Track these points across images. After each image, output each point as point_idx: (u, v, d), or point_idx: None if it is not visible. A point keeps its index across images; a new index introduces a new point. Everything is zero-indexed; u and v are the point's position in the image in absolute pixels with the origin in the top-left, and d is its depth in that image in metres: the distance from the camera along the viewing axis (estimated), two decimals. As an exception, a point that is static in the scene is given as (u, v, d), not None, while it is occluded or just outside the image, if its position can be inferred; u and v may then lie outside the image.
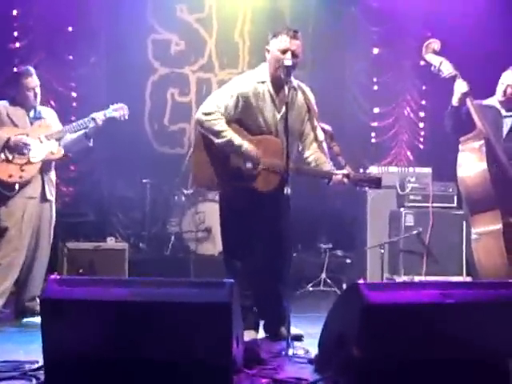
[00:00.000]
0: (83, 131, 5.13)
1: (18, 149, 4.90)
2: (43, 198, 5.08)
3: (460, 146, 4.65)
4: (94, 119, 5.12)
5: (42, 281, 5.14)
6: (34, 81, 5.08)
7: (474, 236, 4.58)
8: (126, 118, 5.31)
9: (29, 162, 4.95)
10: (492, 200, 4.45)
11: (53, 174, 5.20)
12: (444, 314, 2.98)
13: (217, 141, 4.10)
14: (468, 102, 4.56)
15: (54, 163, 5.19)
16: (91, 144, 5.23)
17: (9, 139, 4.88)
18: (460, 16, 7.75)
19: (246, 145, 4.08)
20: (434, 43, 4.78)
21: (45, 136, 5.01)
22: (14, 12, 7.58)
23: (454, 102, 4.60)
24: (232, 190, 4.20)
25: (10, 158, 4.89)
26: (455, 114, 4.64)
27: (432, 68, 4.70)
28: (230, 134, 4.07)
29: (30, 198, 4.99)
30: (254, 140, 4.14)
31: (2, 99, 5.14)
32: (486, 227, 4.49)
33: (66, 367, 2.88)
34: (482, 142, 4.51)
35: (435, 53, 4.74)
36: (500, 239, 4.42)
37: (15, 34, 7.58)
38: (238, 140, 4.07)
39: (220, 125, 4.09)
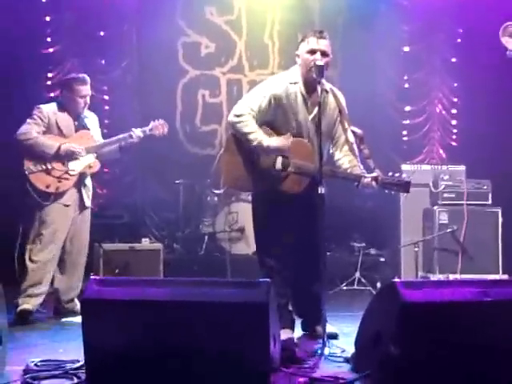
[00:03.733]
0: (118, 145, 5.22)
1: (67, 156, 4.97)
2: (81, 205, 5.16)
3: None
4: (131, 136, 5.19)
5: (81, 284, 5.23)
6: (87, 89, 5.14)
7: None
8: (165, 134, 5.35)
9: (67, 174, 5.02)
10: None
11: (88, 180, 5.26)
12: (481, 312, 2.96)
13: (247, 142, 4.12)
14: None
15: (88, 174, 5.26)
16: (121, 157, 5.34)
17: (59, 148, 4.95)
18: (491, 12, 7.67)
19: (275, 142, 4.09)
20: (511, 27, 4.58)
21: (85, 148, 5.08)
22: (47, 18, 7.69)
23: None
24: (262, 191, 4.23)
25: (50, 168, 4.96)
26: None
27: (507, 52, 4.54)
28: (260, 136, 4.09)
29: (65, 205, 5.06)
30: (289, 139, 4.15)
31: (50, 102, 5.22)
32: None
33: (107, 366, 2.92)
34: None
35: None
36: None
37: (48, 39, 7.69)
38: (267, 140, 4.08)
39: (250, 126, 4.10)
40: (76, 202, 5.13)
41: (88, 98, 5.16)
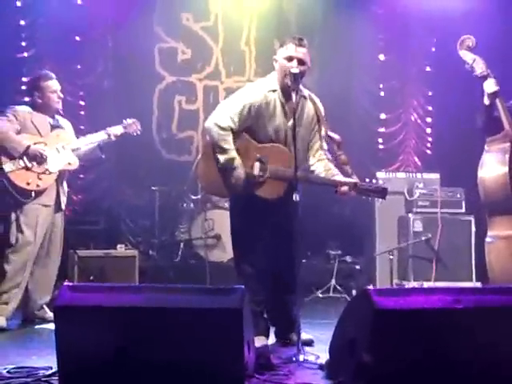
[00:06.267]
0: (96, 143, 5.21)
1: (35, 158, 4.94)
2: (58, 207, 5.14)
3: (485, 146, 4.54)
4: (108, 134, 5.21)
5: (52, 290, 5.20)
6: (56, 84, 5.13)
7: (488, 239, 4.55)
8: (139, 133, 5.40)
9: (47, 172, 4.99)
10: (510, 204, 4.38)
11: (65, 184, 5.25)
12: (454, 319, 2.98)
13: (219, 156, 4.12)
14: (497, 102, 4.48)
15: (67, 173, 5.24)
16: (103, 156, 5.32)
17: (28, 147, 4.91)
18: (466, 21, 7.77)
19: (239, 171, 4.09)
20: (469, 40, 4.67)
21: (62, 146, 5.06)
22: (22, 22, 7.64)
23: (485, 101, 4.53)
24: (240, 197, 4.23)
25: (30, 165, 4.92)
26: (486, 113, 4.54)
27: (465, 65, 4.64)
28: (233, 155, 4.09)
29: (45, 205, 5.03)
30: (261, 148, 4.16)
31: (22, 105, 5.19)
32: (502, 231, 4.46)
33: (80, 373, 2.90)
34: (508, 144, 4.42)
35: (469, 49, 4.66)
36: None
37: (23, 43, 7.64)
38: (236, 162, 4.09)
39: (229, 143, 4.10)
40: (54, 203, 5.10)
41: (60, 93, 5.13)
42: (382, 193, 4.22)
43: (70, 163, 5.12)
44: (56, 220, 5.16)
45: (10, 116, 4.97)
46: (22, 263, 4.95)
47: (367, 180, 4.26)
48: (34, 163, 4.93)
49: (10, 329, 4.87)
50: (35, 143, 4.96)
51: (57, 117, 5.24)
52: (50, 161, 4.99)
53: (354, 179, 4.14)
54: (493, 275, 4.49)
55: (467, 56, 4.65)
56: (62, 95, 5.16)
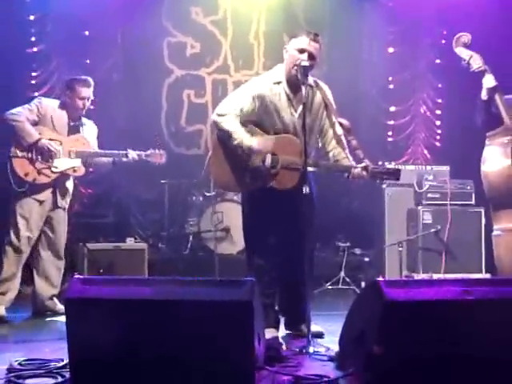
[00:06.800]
0: (112, 159, 5.27)
1: (42, 153, 4.98)
2: (55, 204, 5.17)
3: (486, 141, 4.61)
4: (126, 155, 5.25)
5: (60, 281, 5.24)
6: (87, 92, 5.18)
7: (495, 232, 4.56)
8: (162, 163, 5.42)
9: (49, 169, 5.03)
10: None
11: (70, 183, 5.29)
12: (464, 310, 2.98)
13: (229, 142, 4.13)
14: (496, 97, 4.51)
15: (71, 177, 5.30)
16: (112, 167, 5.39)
17: (38, 140, 4.96)
18: (475, 12, 7.73)
19: (255, 142, 4.10)
20: (465, 36, 4.73)
21: (76, 151, 5.10)
22: (31, 17, 7.65)
23: (483, 96, 4.57)
24: (252, 190, 4.24)
25: (35, 158, 4.98)
26: (485, 109, 4.59)
27: (462, 62, 4.67)
28: (242, 135, 4.10)
29: (40, 201, 5.09)
30: (272, 139, 4.17)
31: (53, 99, 5.30)
32: (508, 224, 4.47)
33: (91, 365, 2.92)
34: (509, 137, 4.47)
35: (465, 46, 4.71)
36: None
37: (32, 38, 7.65)
38: (248, 140, 4.09)
39: (233, 125, 4.11)
40: (50, 200, 5.15)
41: (88, 101, 5.20)
42: (395, 174, 4.22)
43: (74, 169, 5.16)
44: (56, 216, 5.21)
45: (32, 106, 5.08)
46: (17, 254, 5.03)
47: (380, 163, 4.24)
48: (40, 157, 4.98)
49: (21, 321, 4.92)
50: (51, 139, 5.01)
51: (84, 120, 5.31)
52: (57, 160, 5.03)
53: (366, 163, 4.14)
54: (502, 268, 4.49)
55: (463, 53, 4.70)
56: (88, 103, 5.21)
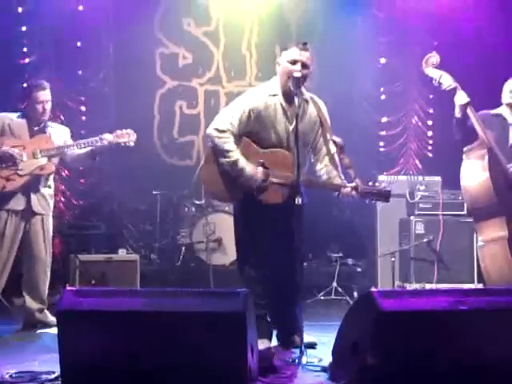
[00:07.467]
0: (89, 148, 5.15)
1: (4, 159, 4.94)
2: (30, 211, 5.08)
3: (463, 156, 4.71)
4: (101, 139, 5.14)
5: (46, 293, 5.19)
6: (45, 95, 5.12)
7: (479, 243, 4.62)
8: (132, 144, 5.25)
9: (15, 175, 4.98)
10: (495, 208, 4.49)
11: (47, 189, 5.19)
12: (457, 320, 2.99)
13: (222, 160, 4.12)
14: (469, 112, 4.59)
15: (52, 177, 5.23)
16: (97, 160, 5.26)
17: None
18: (466, 23, 7.78)
19: (249, 168, 4.10)
20: (433, 57, 4.86)
21: (40, 150, 5.03)
22: (23, 28, 7.64)
23: (457, 113, 4.65)
24: (243, 202, 4.23)
25: None
26: (460, 125, 4.68)
27: (433, 81, 4.76)
28: (237, 156, 4.10)
29: (12, 210, 5.02)
30: (264, 153, 4.17)
31: (15, 112, 5.22)
32: (491, 234, 4.52)
33: (83, 377, 2.91)
34: (485, 151, 4.55)
35: (434, 67, 4.81)
36: (505, 246, 4.46)
37: (24, 49, 7.63)
38: (242, 163, 4.09)
39: (229, 145, 4.11)
40: (24, 207, 5.05)
41: (47, 104, 5.13)
42: (385, 196, 4.22)
43: (42, 168, 5.06)
44: (34, 225, 5.11)
45: None
46: None
47: (370, 183, 4.24)
48: (3, 165, 4.95)
49: (11, 334, 4.88)
50: (13, 146, 4.98)
51: (50, 123, 5.25)
52: (23, 163, 4.99)
53: (356, 183, 4.14)
54: (489, 278, 4.53)
55: (433, 73, 4.81)
56: (48, 107, 5.14)
